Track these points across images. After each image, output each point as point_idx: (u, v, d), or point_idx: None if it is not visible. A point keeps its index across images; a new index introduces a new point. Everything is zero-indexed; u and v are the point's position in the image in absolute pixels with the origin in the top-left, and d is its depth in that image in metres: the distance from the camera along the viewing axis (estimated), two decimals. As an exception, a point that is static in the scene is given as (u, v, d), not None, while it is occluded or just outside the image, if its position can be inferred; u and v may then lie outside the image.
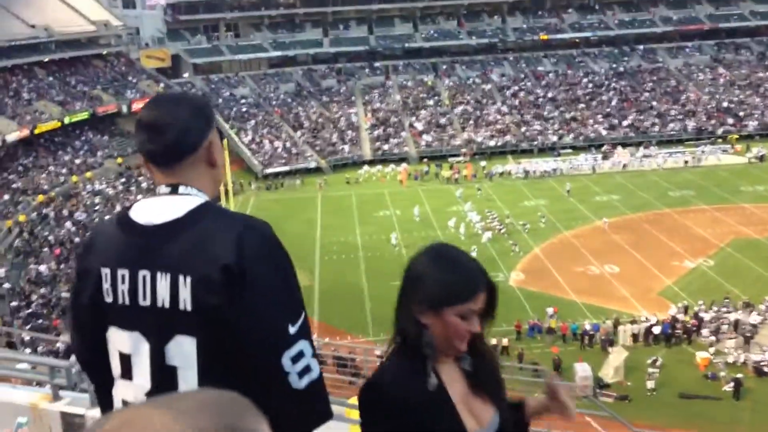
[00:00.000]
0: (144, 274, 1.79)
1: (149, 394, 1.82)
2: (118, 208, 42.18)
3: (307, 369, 1.77)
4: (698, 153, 53.70)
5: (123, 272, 1.82)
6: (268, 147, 57.47)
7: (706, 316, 28.29)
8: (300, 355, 1.75)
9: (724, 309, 28.84)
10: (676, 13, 73.98)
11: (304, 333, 1.78)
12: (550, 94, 65.71)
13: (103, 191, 44.72)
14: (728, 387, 23.41)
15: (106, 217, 2.00)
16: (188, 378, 1.78)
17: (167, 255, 1.77)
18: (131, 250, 1.82)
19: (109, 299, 1.84)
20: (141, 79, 60.81)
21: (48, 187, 42.97)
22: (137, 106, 56.93)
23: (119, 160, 49.95)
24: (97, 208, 41.90)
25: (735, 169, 50.77)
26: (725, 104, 62.95)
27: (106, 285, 1.84)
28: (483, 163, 54.15)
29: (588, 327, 28.10)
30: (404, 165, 54.46)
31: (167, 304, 1.76)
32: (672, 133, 59.68)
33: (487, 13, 75.65)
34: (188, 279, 1.73)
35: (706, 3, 75.09)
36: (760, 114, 61.31)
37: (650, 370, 24.77)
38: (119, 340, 1.86)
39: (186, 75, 66.94)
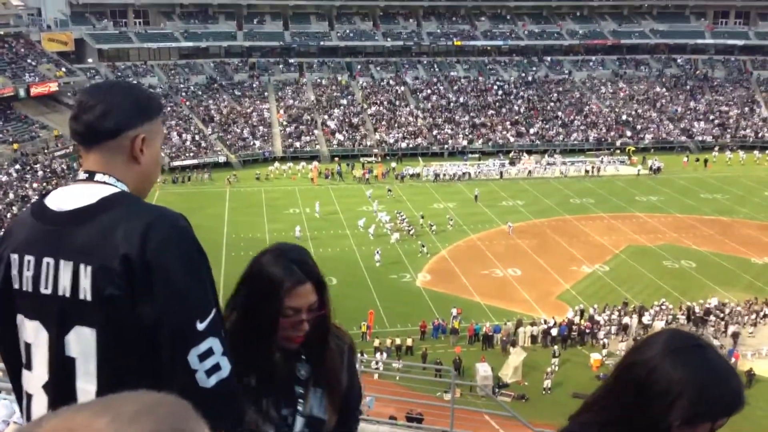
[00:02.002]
0: (48, 261, 1.74)
1: (46, 386, 1.78)
2: (11, 195, 40.12)
3: (216, 367, 1.72)
4: (598, 163, 56.05)
5: (29, 258, 1.77)
6: (176, 139, 56.00)
7: (600, 319, 29.56)
8: (209, 352, 1.70)
9: (617, 313, 30.22)
10: (582, 28, 76.99)
11: (215, 330, 1.73)
12: (461, 99, 67.03)
13: (-4, 178, 42.42)
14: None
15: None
16: (87, 370, 1.73)
17: (72, 242, 1.72)
18: (39, 237, 1.78)
19: (16, 286, 1.80)
20: (41, 62, 57.98)
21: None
22: (36, 90, 54.35)
23: (15, 146, 47.45)
24: (-12, 195, 39.71)
25: (631, 180, 53.31)
26: (624, 117, 66.02)
27: (14, 271, 1.80)
28: (393, 165, 54.65)
29: (488, 328, 28.81)
30: (315, 163, 54.27)
31: (68, 293, 1.72)
32: (575, 142, 62.07)
33: (402, 16, 76.42)
34: (89, 268, 1.69)
35: (610, 19, 78.50)
36: (656, 128, 64.65)
37: (548, 369, 25.65)
38: (24, 329, 1.82)
39: (90, 60, 64.29)
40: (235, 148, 56.99)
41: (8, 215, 37.63)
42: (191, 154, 54.61)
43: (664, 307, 30.70)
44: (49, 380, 1.78)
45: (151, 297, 1.67)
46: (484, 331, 28.58)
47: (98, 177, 1.83)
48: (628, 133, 63.56)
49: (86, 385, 1.74)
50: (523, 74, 72.29)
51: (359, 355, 25.81)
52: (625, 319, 29.29)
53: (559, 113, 66.03)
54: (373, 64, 71.85)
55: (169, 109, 60.08)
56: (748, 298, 31.67)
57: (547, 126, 63.98)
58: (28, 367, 1.83)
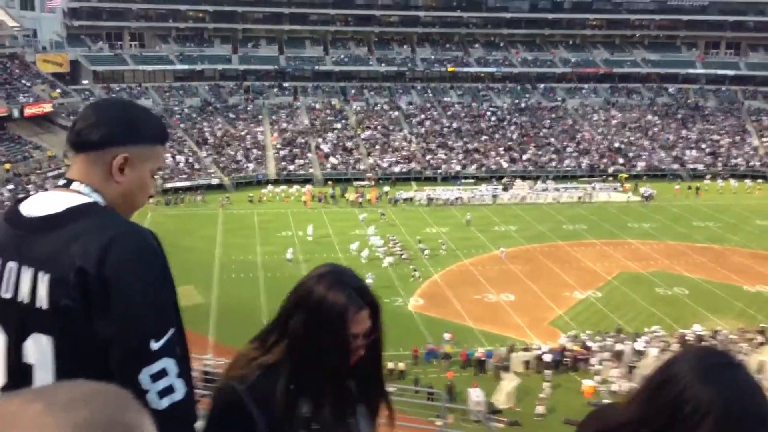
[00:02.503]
0: (11, 265, 1.74)
1: (3, 389, 1.75)
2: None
3: (169, 389, 1.66)
4: (590, 189, 56.27)
5: None
6: (170, 161, 55.93)
7: (594, 346, 29.45)
8: (162, 373, 1.65)
9: (611, 339, 30.11)
10: (574, 56, 77.78)
11: (170, 351, 1.68)
12: (455, 125, 67.38)
13: (-13, 198, 42.21)
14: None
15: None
16: (43, 378, 1.69)
17: (35, 250, 1.71)
18: (7, 241, 1.77)
19: None
20: (36, 83, 58.04)
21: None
22: (30, 110, 54.33)
23: (7, 165, 47.30)
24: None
25: (623, 207, 53.49)
26: (616, 144, 66.43)
27: None
28: (386, 189, 54.73)
29: (481, 353, 28.64)
30: (309, 186, 54.29)
31: (26, 300, 1.70)
32: (567, 169, 62.36)
33: (396, 42, 77.05)
34: (46, 276, 1.68)
35: (602, 48, 79.37)
36: (648, 156, 65.05)
37: (541, 395, 25.48)
38: None
39: (85, 82, 64.43)
40: (229, 170, 56.99)
41: None
42: (184, 176, 54.55)
43: (657, 334, 30.63)
44: (6, 384, 1.75)
45: (106, 312, 1.64)
46: (477, 356, 28.40)
47: (74, 185, 1.82)
48: (621, 161, 63.91)
49: None
50: (516, 101, 72.81)
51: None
52: (618, 346, 29.17)
53: (552, 140, 66.41)
54: (367, 88, 72.27)
55: (163, 131, 60.05)
56: (741, 326, 31.65)
57: (540, 152, 64.30)
58: None
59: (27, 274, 1.71)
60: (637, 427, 1.62)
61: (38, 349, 1.70)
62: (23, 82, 57.27)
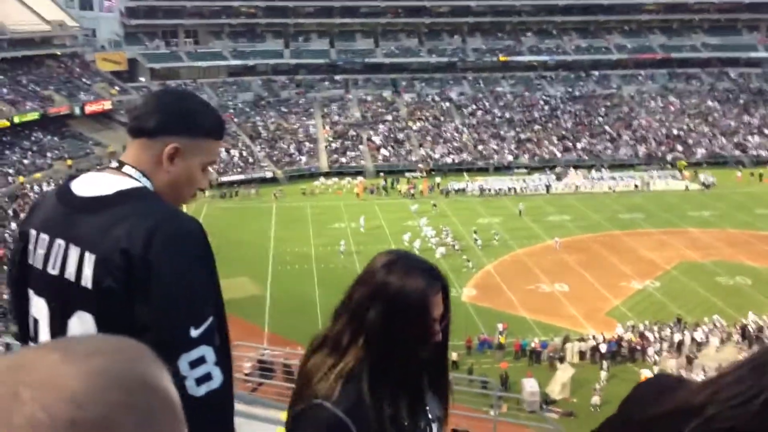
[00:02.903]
0: (60, 243, 1.78)
1: None
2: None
3: (207, 377, 1.68)
4: (647, 178, 54.99)
5: (44, 237, 1.82)
6: (224, 155, 56.88)
7: (651, 336, 28.83)
8: (200, 360, 1.67)
9: (669, 330, 29.43)
10: (630, 42, 75.98)
11: (209, 338, 1.69)
12: (507, 115, 66.66)
13: (51, 193, 43.65)
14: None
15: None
16: None
17: (83, 229, 1.75)
18: (56, 218, 1.82)
19: (30, 261, 1.85)
20: (95, 81, 59.73)
21: (-6, 186, 41.77)
22: (90, 108, 55.95)
23: (69, 162, 48.82)
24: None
25: (682, 195, 52.12)
26: (675, 132, 64.72)
27: (31, 246, 1.85)
28: (438, 180, 54.54)
29: (536, 343, 28.36)
30: (360, 178, 54.51)
31: (73, 278, 1.74)
32: (624, 157, 61.06)
33: (447, 32, 76.55)
34: (92, 257, 1.71)
35: (659, 33, 77.33)
36: (708, 142, 63.20)
37: (596, 386, 25.10)
38: (33, 304, 1.86)
39: (142, 79, 66.00)
40: (282, 163, 57.64)
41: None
42: (239, 170, 55.43)
43: (717, 324, 29.82)
44: None
45: (147, 297, 1.66)
46: (533, 347, 28.13)
47: (125, 169, 1.86)
48: (679, 148, 62.25)
49: None
50: (570, 89, 71.55)
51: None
52: (677, 336, 28.51)
53: (607, 128, 65.09)
54: (418, 80, 72.06)
55: (217, 126, 61.13)
56: (807, 316, 30.54)
57: (594, 141, 63.12)
58: (35, 341, 1.87)
59: (74, 252, 1.74)
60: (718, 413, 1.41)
61: (83, 327, 1.74)
62: (83, 80, 58.98)
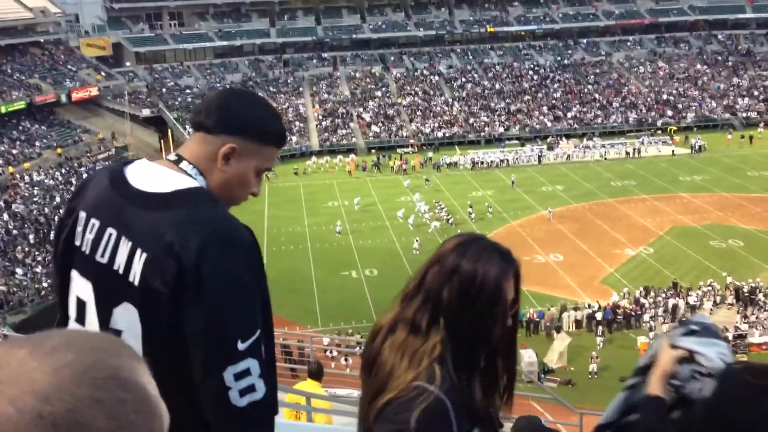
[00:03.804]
0: (111, 232, 1.77)
1: None
2: (57, 199, 41.07)
3: (251, 388, 1.69)
4: (638, 144, 55.05)
5: (95, 222, 1.81)
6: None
7: (645, 302, 29.09)
8: (245, 372, 1.68)
9: (663, 295, 29.69)
10: (617, 8, 75.59)
11: (255, 351, 1.70)
12: (497, 86, 66.43)
13: (42, 182, 43.43)
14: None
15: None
16: (133, 344, 1.74)
17: (137, 224, 1.74)
18: (109, 205, 1.81)
19: (77, 242, 1.85)
20: (81, 67, 59.19)
21: (-17, 178, 41.54)
22: (77, 95, 55.49)
23: (59, 150, 48.54)
24: (35, 199, 40.66)
25: (674, 160, 52.25)
26: (665, 97, 64.67)
27: (79, 228, 1.85)
28: (430, 154, 54.47)
29: (531, 314, 28.58)
30: (352, 156, 54.40)
31: (121, 270, 1.74)
32: (614, 124, 61.05)
33: (434, 5, 75.97)
34: (144, 255, 1.70)
35: (646, -2, 76.94)
36: (697, 106, 63.22)
37: (593, 354, 25.36)
38: (78, 285, 1.86)
39: (128, 64, 65.40)
40: (273, 144, 57.39)
41: (55, 218, 38.55)
42: (230, 152, 55.17)
43: (710, 287, 30.10)
44: None
45: (197, 306, 1.67)
46: (529, 317, 28.36)
47: (183, 164, 1.85)
48: (669, 113, 62.26)
49: None
50: (559, 58, 71.28)
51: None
52: (672, 301, 28.76)
53: (597, 95, 64.99)
54: (406, 54, 71.63)
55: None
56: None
57: (584, 109, 63.05)
58: (81, 322, 1.87)
59: (125, 246, 1.74)
60: None
61: (128, 318, 1.75)
62: (69, 67, 58.43)
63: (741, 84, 66.38)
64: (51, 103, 53.76)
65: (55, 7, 61.23)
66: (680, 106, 63.34)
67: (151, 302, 1.71)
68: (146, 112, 58.30)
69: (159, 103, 59.69)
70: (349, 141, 58.69)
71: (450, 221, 40.26)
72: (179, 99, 61.41)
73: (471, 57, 71.56)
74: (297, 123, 60.50)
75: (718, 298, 29.68)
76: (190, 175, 1.83)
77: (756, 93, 64.84)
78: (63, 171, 46.14)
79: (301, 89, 65.81)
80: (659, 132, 58.97)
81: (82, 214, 1.84)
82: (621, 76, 68.49)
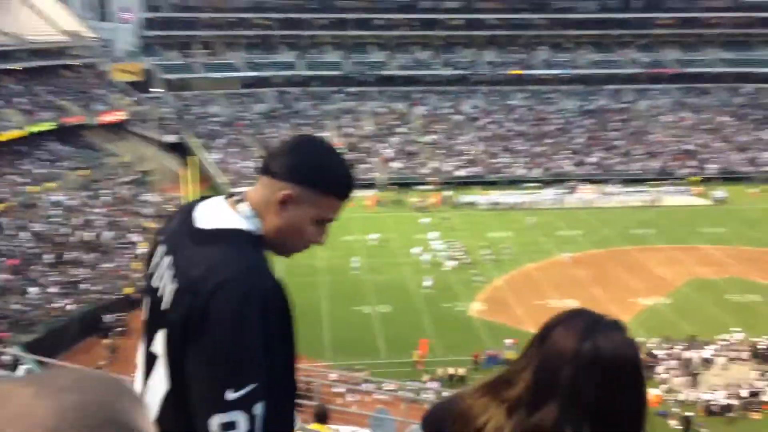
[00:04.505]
0: (166, 260, 1.88)
1: (143, 364, 1.92)
2: (79, 220, 41.55)
3: None
4: (660, 193, 54.70)
5: (161, 248, 1.93)
6: (237, 167, 57.22)
7: (660, 353, 28.63)
8: (231, 425, 1.66)
9: (679, 347, 29.22)
10: (644, 56, 75.80)
11: (245, 405, 1.67)
12: (519, 128, 66.60)
13: (64, 202, 44.00)
14: (676, 425, 23.67)
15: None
16: (160, 370, 1.82)
17: (181, 256, 1.84)
18: (174, 235, 1.93)
19: (150, 266, 1.97)
20: (111, 91, 60.32)
21: (8, 196, 42.17)
22: (105, 118, 56.47)
23: (84, 172, 49.27)
24: (57, 219, 41.16)
25: (695, 210, 51.79)
26: (688, 147, 64.38)
27: (156, 254, 1.97)
28: (449, 193, 54.53)
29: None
30: (372, 191, 54.56)
31: (163, 297, 1.83)
32: (636, 172, 60.77)
33: (461, 45, 76.71)
34: (174, 286, 1.79)
35: (674, 47, 77.08)
36: (721, 158, 62.81)
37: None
38: (144, 304, 1.96)
39: (157, 90, 66.58)
40: (294, 175, 57.80)
41: (71, 238, 38.95)
42: (251, 182, 55.57)
43: (727, 342, 29.59)
44: (144, 363, 1.91)
45: (197, 346, 1.70)
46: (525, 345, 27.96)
47: (240, 205, 1.90)
48: (692, 163, 61.91)
49: (157, 384, 1.83)
50: (583, 103, 71.43)
51: (409, 382, 25.66)
52: (686, 354, 28.30)
53: (620, 142, 64.87)
54: (431, 92, 72.20)
55: (231, 137, 61.59)
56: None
57: (607, 155, 62.90)
58: (142, 339, 1.96)
59: (168, 274, 1.83)
60: None
61: (162, 344, 1.81)
62: (99, 91, 59.57)
63: (764, 138, 65.91)
64: (79, 125, 54.72)
65: (89, 31, 62.70)
66: (703, 156, 62.98)
67: (171, 332, 1.77)
68: (171, 138, 59.11)
69: (184, 129, 60.54)
70: (369, 176, 58.94)
71: (466, 261, 40.12)
72: (205, 127, 62.24)
73: (495, 98, 71.95)
74: (319, 155, 60.94)
75: (732, 353, 29.14)
76: (241, 215, 1.87)
77: (781, 147, 64.34)
78: (86, 193, 46.75)
79: (325, 122, 66.42)
80: (681, 181, 58.59)
81: (160, 239, 1.98)
82: (645, 124, 68.36)
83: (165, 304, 1.78)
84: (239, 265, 1.74)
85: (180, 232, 1.90)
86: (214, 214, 1.88)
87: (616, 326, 1.57)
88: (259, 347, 1.71)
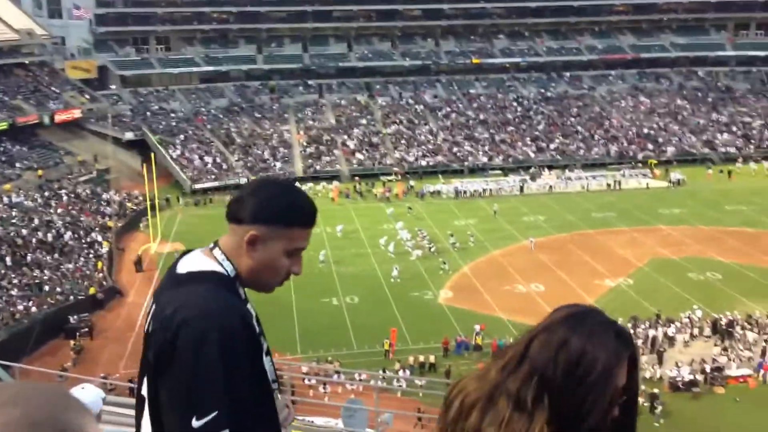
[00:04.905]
0: (152, 307, 1.98)
1: (136, 411, 2.02)
2: (36, 221, 40.67)
3: None
4: (619, 176, 55.63)
5: (150, 300, 2.04)
6: (198, 162, 56.57)
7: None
8: None
9: (643, 326, 29.77)
10: (601, 43, 76.82)
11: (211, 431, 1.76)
12: (481, 117, 67.04)
13: (21, 204, 43.02)
14: (644, 402, 24.11)
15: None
16: (146, 411, 1.92)
17: (159, 301, 1.94)
18: (159, 286, 2.03)
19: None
20: (65, 89, 59.06)
21: (-38, 198, 41.10)
22: (60, 117, 55.31)
23: (39, 172, 48.20)
24: (14, 221, 40.22)
25: (654, 193, 52.79)
26: (645, 131, 65.54)
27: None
28: (413, 183, 54.70)
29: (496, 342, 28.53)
30: (336, 183, 54.49)
31: (146, 340, 1.93)
32: (596, 157, 61.69)
33: (420, 35, 76.82)
34: (151, 328, 1.89)
35: (629, 34, 78.28)
36: (678, 141, 64.09)
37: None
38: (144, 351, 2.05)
39: (113, 87, 65.39)
40: (256, 169, 57.39)
41: (33, 240, 38.13)
42: (212, 177, 55.09)
43: (689, 319, 30.26)
44: (136, 403, 2.02)
45: (166, 378, 1.81)
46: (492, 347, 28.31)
47: (215, 251, 2.00)
48: (650, 147, 63.07)
49: (145, 425, 1.93)
50: (542, 90, 72.17)
51: (381, 371, 25.72)
52: (651, 332, 28.87)
53: (580, 128, 65.74)
54: (392, 83, 72.21)
55: (191, 132, 60.82)
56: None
57: (567, 141, 63.71)
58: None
59: (150, 319, 1.93)
60: None
61: (146, 386, 1.92)
62: (53, 89, 58.29)
63: (720, 120, 67.47)
64: (33, 125, 53.49)
65: (41, 29, 61.25)
66: (660, 140, 64.20)
67: (148, 371, 1.89)
68: (129, 135, 58.16)
69: (143, 126, 59.61)
70: (332, 168, 58.82)
71: (432, 249, 40.31)
72: (163, 123, 61.36)
73: (456, 87, 72.28)
74: (281, 149, 60.62)
75: (695, 330, 29.81)
76: (216, 259, 1.98)
77: (735, 129, 65.91)
78: (43, 193, 45.75)
79: (286, 116, 66.02)
80: (640, 165, 59.65)
81: (153, 296, 2.07)
82: (603, 110, 69.41)
83: (147, 346, 1.90)
84: (205, 303, 1.85)
85: (163, 282, 2.01)
86: (191, 261, 1.99)
87: (612, 330, 1.56)
88: (219, 378, 1.78)
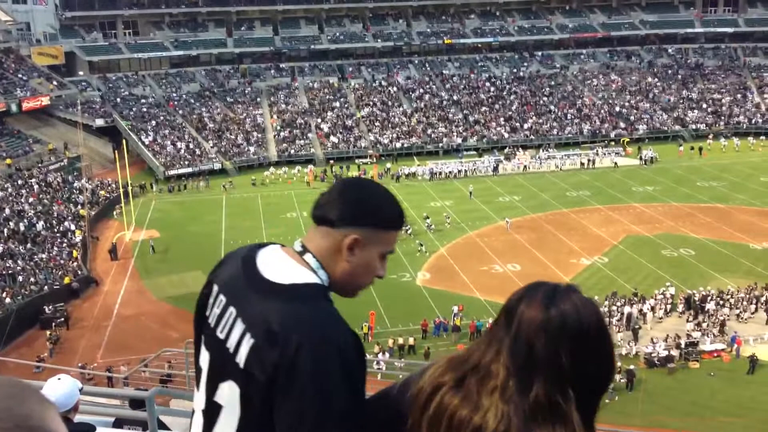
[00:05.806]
0: (232, 311, 1.87)
1: (204, 412, 1.94)
2: (6, 210, 40.02)
3: None
4: (593, 155, 56.10)
5: (222, 298, 1.92)
6: (171, 148, 55.94)
7: (603, 310, 29.54)
8: None
9: (619, 303, 30.20)
10: (571, 21, 77.07)
11: None
12: (454, 97, 67.05)
13: (-9, 194, 42.27)
14: (621, 379, 24.52)
15: (249, 243, 2.00)
16: (228, 422, 1.85)
17: (252, 309, 1.83)
18: (236, 285, 1.90)
19: (207, 312, 1.96)
20: (32, 76, 57.91)
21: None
22: (28, 104, 54.28)
23: (8, 161, 47.33)
24: (-16, 211, 39.53)
25: (627, 171, 53.34)
26: (617, 109, 66.08)
27: (211, 300, 1.96)
28: (388, 165, 54.66)
29: (490, 324, 28.76)
30: (310, 166, 54.27)
31: (232, 350, 1.83)
32: (569, 136, 62.11)
33: (392, 16, 76.44)
34: (251, 342, 1.79)
35: (599, 12, 78.61)
36: (649, 118, 64.73)
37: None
38: (202, 353, 1.97)
39: (81, 73, 64.24)
40: (230, 154, 56.95)
41: (5, 230, 37.52)
42: (186, 163, 54.54)
43: (663, 295, 30.74)
44: (204, 408, 1.92)
45: (288, 400, 1.71)
46: (487, 327, 28.52)
47: (307, 257, 1.91)
48: (622, 125, 63.63)
49: None
50: (515, 70, 72.33)
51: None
52: (626, 309, 29.29)
53: (552, 107, 66.07)
54: (364, 65, 71.85)
55: (162, 118, 60.06)
56: (748, 284, 31.70)
57: (540, 120, 64.02)
58: (198, 386, 1.97)
59: (239, 328, 1.82)
60: None
61: (230, 395, 1.82)
62: (19, 76, 57.13)
63: (690, 96, 68.23)
64: (0, 113, 52.43)
65: (5, 15, 59.86)
66: (632, 118, 64.79)
67: (251, 386, 1.78)
68: (100, 122, 57.30)
69: (113, 112, 58.74)
70: (307, 151, 58.54)
71: (408, 231, 40.39)
72: (134, 109, 60.50)
73: (429, 68, 72.14)
74: (255, 133, 60.15)
75: (669, 307, 30.31)
76: (312, 269, 1.89)
77: (705, 105, 66.70)
78: (14, 182, 44.97)
79: (258, 99, 65.45)
80: (612, 143, 60.19)
81: (216, 288, 1.95)
82: (575, 89, 69.79)
83: (239, 358, 1.80)
84: (320, 321, 1.79)
85: (241, 282, 1.89)
86: (283, 267, 1.90)
87: (573, 289, 1.60)
88: (341, 398, 1.75)
